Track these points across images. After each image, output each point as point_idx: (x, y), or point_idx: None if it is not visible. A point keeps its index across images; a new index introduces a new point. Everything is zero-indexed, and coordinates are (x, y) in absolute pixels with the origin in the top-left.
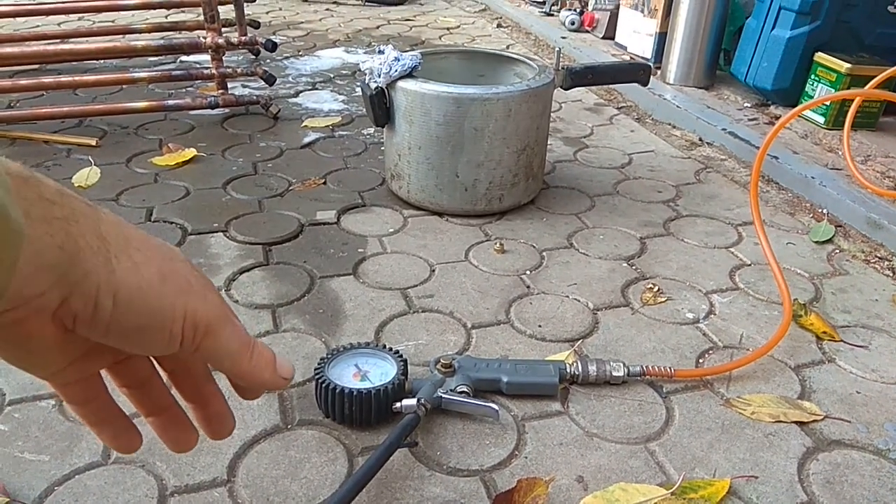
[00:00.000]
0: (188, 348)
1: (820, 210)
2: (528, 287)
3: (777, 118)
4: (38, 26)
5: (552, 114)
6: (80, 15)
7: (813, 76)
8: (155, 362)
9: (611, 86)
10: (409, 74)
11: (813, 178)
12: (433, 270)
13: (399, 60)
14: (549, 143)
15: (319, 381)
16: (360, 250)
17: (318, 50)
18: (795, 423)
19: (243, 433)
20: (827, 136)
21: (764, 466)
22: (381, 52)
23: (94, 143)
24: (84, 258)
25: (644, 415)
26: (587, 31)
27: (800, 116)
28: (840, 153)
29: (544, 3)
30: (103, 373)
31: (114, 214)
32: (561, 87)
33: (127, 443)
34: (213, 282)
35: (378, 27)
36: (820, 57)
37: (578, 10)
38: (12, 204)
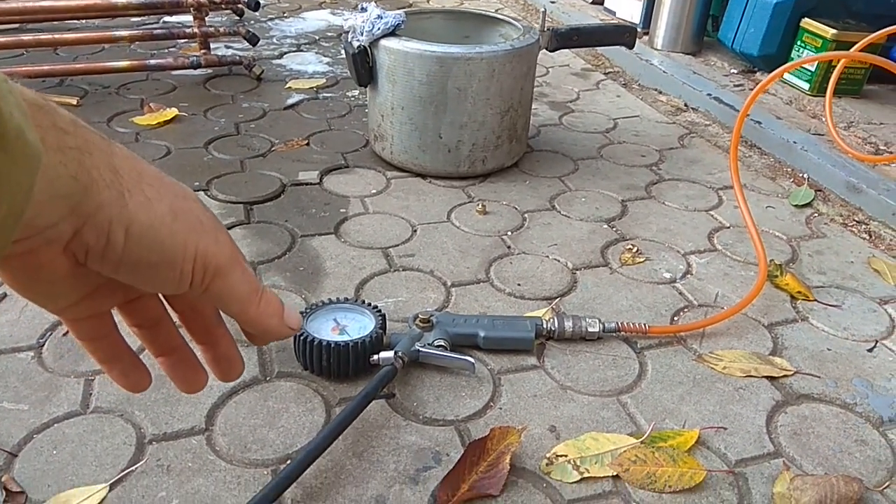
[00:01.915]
0: (197, 289)
1: (801, 174)
2: (509, 247)
3: None
4: None
5: (539, 78)
6: None
7: (799, 42)
8: (166, 303)
9: (598, 51)
10: (393, 33)
11: (795, 142)
12: (415, 231)
13: (382, 18)
14: (535, 107)
15: (298, 334)
16: (342, 210)
17: (304, 12)
18: (766, 377)
19: (222, 384)
20: (811, 102)
21: (733, 418)
22: (363, 9)
23: (74, 102)
24: (97, 190)
25: (617, 369)
26: None
27: (784, 82)
28: (823, 119)
29: None
30: (114, 312)
31: (126, 149)
32: (546, 49)
33: (136, 381)
34: (224, 228)
35: None
36: (806, 23)
37: None
38: (30, 128)
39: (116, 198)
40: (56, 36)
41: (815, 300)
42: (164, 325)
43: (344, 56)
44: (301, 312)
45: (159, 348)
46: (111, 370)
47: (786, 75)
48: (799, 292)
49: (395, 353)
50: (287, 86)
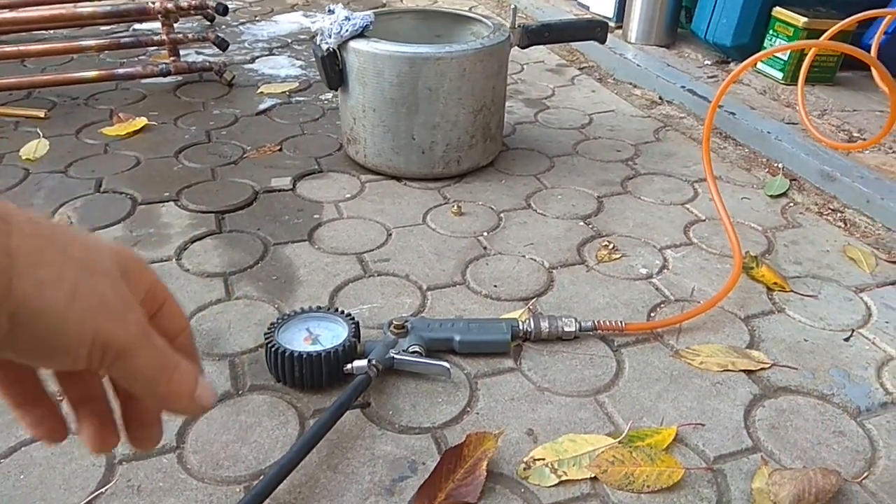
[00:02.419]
0: (96, 369)
1: (775, 164)
2: (485, 248)
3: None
4: None
5: (514, 75)
6: None
7: (771, 31)
8: None
9: (572, 46)
10: (361, 35)
11: (769, 132)
12: (390, 234)
13: (350, 20)
14: (510, 104)
15: (269, 345)
16: (315, 216)
17: (276, 15)
18: (743, 371)
19: None
20: (785, 91)
21: (711, 414)
22: (331, 11)
23: (42, 114)
24: None
25: (595, 368)
26: None
27: (758, 72)
28: (797, 108)
29: None
30: None
31: (38, 221)
32: (518, 46)
33: (50, 430)
34: (136, 307)
35: None
36: (778, 12)
37: None
38: None
39: (3, 284)
40: (22, 48)
41: (792, 291)
42: (76, 380)
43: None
44: (272, 323)
45: (73, 400)
46: (23, 417)
47: (759, 65)
48: (775, 283)
49: (369, 361)
50: (259, 91)
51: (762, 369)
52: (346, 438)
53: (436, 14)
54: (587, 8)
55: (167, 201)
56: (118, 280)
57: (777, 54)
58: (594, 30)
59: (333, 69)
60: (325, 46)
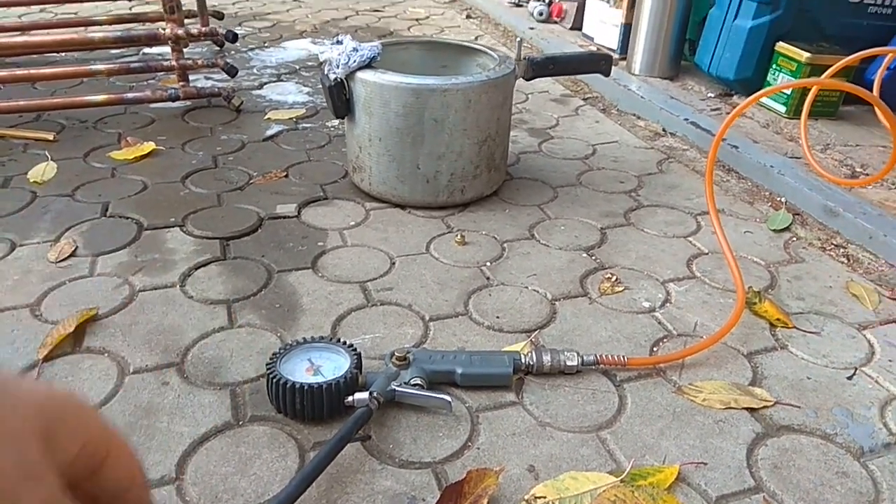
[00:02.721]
0: None
1: (778, 198)
2: (488, 278)
3: None
4: None
5: (518, 105)
6: (42, 6)
7: (774, 66)
8: None
9: (577, 77)
10: (369, 65)
11: (772, 166)
12: (393, 263)
13: (358, 51)
14: (514, 134)
15: (271, 376)
16: (319, 244)
17: (285, 41)
18: (746, 409)
19: (193, 430)
20: (788, 125)
21: (713, 453)
22: (339, 42)
23: (51, 137)
24: None
25: (597, 403)
26: (555, 22)
27: (761, 105)
28: (800, 142)
29: None
30: None
31: None
32: (523, 78)
33: None
34: (45, 479)
35: (346, 18)
36: (781, 47)
37: (546, 1)
38: None
39: None
40: (33, 71)
41: (795, 327)
42: None
43: (320, 79)
44: (274, 353)
45: None
46: None
47: (763, 99)
48: (778, 319)
49: (371, 393)
50: (266, 117)
51: (765, 407)
52: (346, 472)
53: (442, 45)
54: (592, 39)
55: (173, 227)
56: (28, 443)
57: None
58: (599, 63)
59: (341, 98)
60: (332, 76)
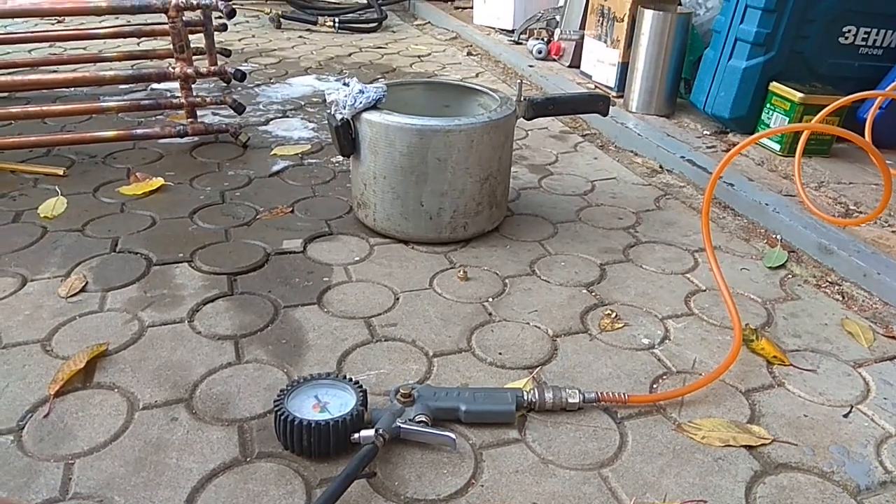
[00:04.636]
0: None
1: (774, 236)
2: (490, 314)
3: (734, 145)
4: (7, 53)
5: (518, 141)
6: (51, 42)
7: (768, 105)
8: None
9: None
10: (374, 106)
11: (767, 204)
12: (397, 299)
13: (364, 93)
14: (514, 170)
15: (278, 413)
16: (325, 279)
17: (290, 77)
18: (744, 446)
19: (202, 466)
20: (782, 162)
21: (713, 490)
22: (346, 84)
23: (61, 172)
24: None
25: (598, 441)
26: (554, 60)
27: (757, 144)
28: (794, 180)
29: (513, 32)
30: None
31: None
32: (523, 118)
33: None
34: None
35: (350, 55)
36: (775, 87)
37: (545, 39)
38: None
39: None
40: (45, 108)
41: (791, 364)
42: None
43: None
44: (281, 390)
45: None
46: None
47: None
48: (775, 357)
49: (376, 430)
50: (272, 152)
51: (763, 445)
52: None
53: (445, 85)
54: (590, 77)
55: (181, 262)
56: None
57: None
58: (597, 103)
59: (347, 138)
60: (339, 117)
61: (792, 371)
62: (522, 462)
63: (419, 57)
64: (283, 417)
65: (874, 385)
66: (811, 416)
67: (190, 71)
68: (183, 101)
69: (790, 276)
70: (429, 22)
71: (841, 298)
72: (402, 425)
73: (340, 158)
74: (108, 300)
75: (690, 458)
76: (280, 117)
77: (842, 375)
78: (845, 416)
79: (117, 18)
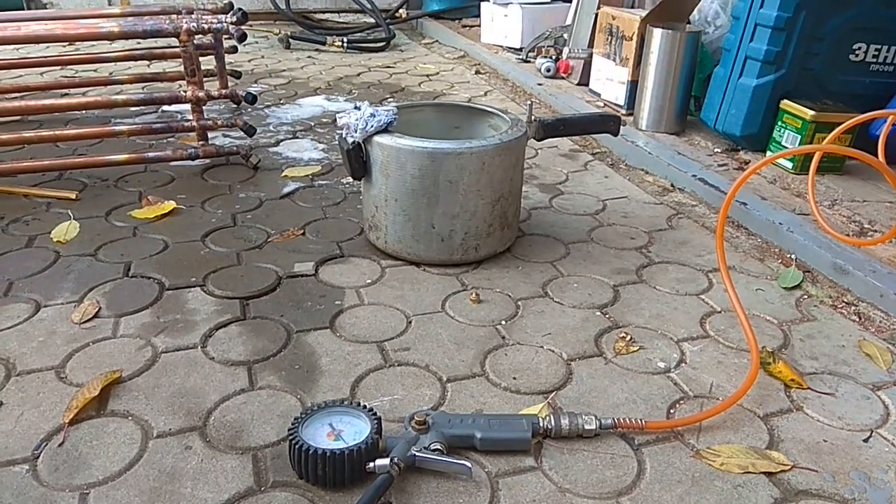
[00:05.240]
0: None
1: (788, 256)
2: (504, 338)
3: (746, 163)
4: (20, 76)
5: (529, 160)
6: (62, 66)
7: (780, 122)
8: None
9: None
10: (385, 129)
11: (781, 223)
12: (410, 322)
13: (375, 116)
14: (525, 189)
15: (293, 441)
16: (337, 302)
17: (300, 98)
18: (764, 473)
19: (217, 497)
20: (795, 181)
21: None
22: (357, 108)
23: (73, 196)
24: None
25: (616, 468)
26: (562, 78)
27: None
28: (808, 198)
29: (521, 50)
30: None
31: None
32: (534, 139)
33: None
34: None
35: (359, 74)
36: (786, 104)
37: (554, 57)
38: None
39: None
40: (58, 132)
41: (809, 388)
42: None
43: (338, 143)
44: (296, 418)
45: None
46: None
47: (769, 154)
48: (792, 380)
49: (392, 459)
50: (283, 174)
51: (783, 471)
52: None
53: (455, 107)
54: (599, 95)
55: (194, 286)
56: None
57: (787, 144)
58: (608, 124)
59: (358, 161)
60: (350, 140)
61: (810, 395)
62: (539, 491)
63: (427, 76)
64: (297, 446)
65: (893, 408)
66: (831, 441)
67: (201, 94)
68: (194, 123)
69: (806, 296)
70: (436, 41)
71: (858, 319)
72: (417, 454)
73: (350, 180)
74: (122, 326)
75: (710, 485)
76: (290, 138)
77: (860, 399)
78: (865, 440)
79: (128, 41)
